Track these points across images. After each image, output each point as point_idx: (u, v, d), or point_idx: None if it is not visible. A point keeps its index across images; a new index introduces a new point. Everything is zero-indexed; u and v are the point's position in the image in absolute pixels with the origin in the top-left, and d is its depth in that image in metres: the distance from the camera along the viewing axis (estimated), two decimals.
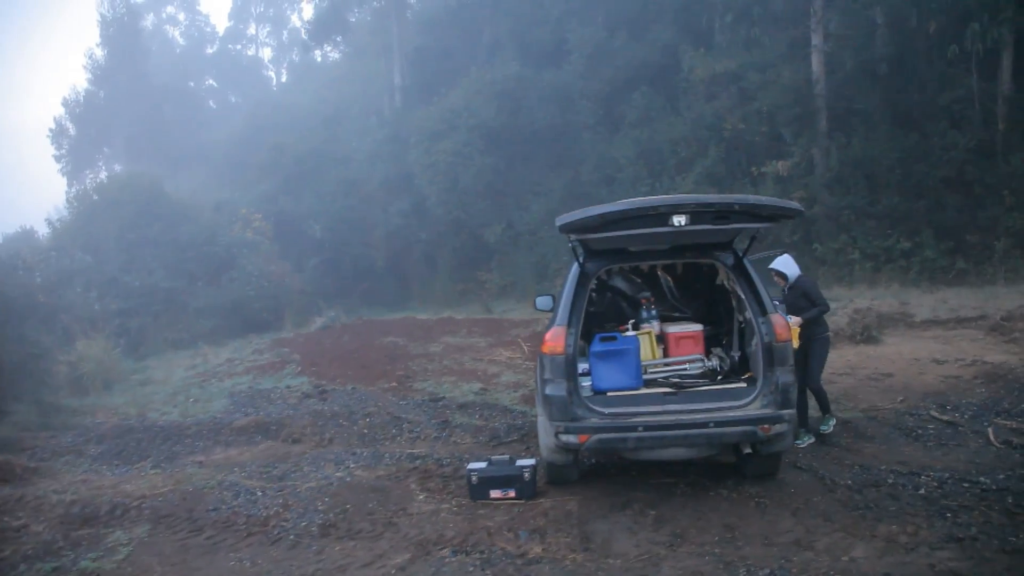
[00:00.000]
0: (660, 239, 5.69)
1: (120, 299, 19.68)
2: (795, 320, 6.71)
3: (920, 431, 7.69)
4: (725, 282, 6.41)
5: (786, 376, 5.60)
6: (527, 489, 6.27)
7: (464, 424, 9.51)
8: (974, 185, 17.23)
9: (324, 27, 38.47)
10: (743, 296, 5.84)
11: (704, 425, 5.39)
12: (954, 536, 5.01)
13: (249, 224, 24.92)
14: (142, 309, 19.83)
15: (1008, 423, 7.71)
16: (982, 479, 6.06)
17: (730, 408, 5.56)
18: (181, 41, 58.93)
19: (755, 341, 5.78)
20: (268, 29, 61.35)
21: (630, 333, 6.41)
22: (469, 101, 24.27)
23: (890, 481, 6.14)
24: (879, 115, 18.76)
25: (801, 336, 6.96)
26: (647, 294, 7.07)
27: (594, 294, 7.29)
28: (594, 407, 5.65)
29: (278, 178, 29.42)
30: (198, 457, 9.14)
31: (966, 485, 5.95)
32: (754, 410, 5.53)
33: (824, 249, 18.28)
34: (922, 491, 5.87)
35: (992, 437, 7.25)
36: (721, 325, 6.97)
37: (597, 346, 6.03)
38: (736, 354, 6.45)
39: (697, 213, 5.12)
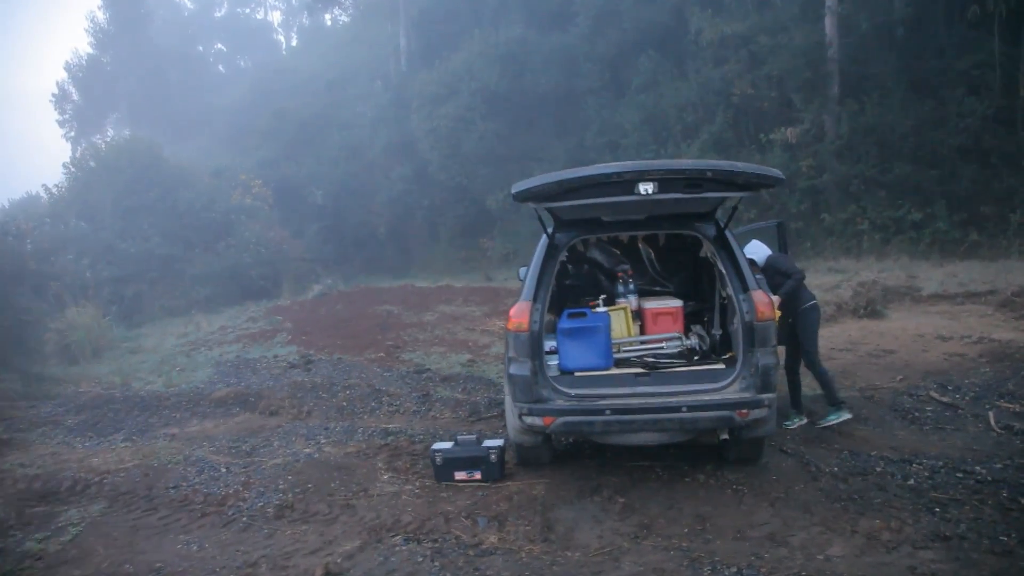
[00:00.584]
0: (630, 208, 5.27)
1: (115, 266, 19.48)
2: (776, 298, 6.26)
3: (917, 413, 7.29)
4: (708, 255, 6.00)
5: (767, 358, 5.20)
6: (493, 471, 5.95)
7: (445, 398, 9.21)
8: (991, 154, 16.57)
9: None
10: (724, 271, 5.43)
11: (676, 409, 5.03)
12: (940, 534, 4.63)
13: (249, 190, 24.57)
14: (137, 276, 19.63)
15: (1011, 406, 7.29)
16: (978, 468, 5.68)
17: (706, 391, 5.18)
18: (189, 4, 58.33)
19: (736, 319, 5.39)
20: None
21: (601, 309, 6.00)
22: (471, 64, 23.68)
23: (879, 469, 5.76)
24: (894, 80, 18.04)
25: (787, 313, 6.56)
26: (625, 267, 6.67)
27: (570, 267, 6.89)
28: (560, 388, 5.30)
29: (280, 143, 29.06)
30: (172, 429, 8.91)
31: (959, 475, 5.56)
32: (731, 394, 5.15)
33: (832, 219, 17.74)
34: (911, 481, 5.49)
35: (992, 421, 6.84)
36: (705, 301, 6.58)
37: (565, 323, 5.63)
38: (718, 332, 6.05)
39: (666, 181, 4.68)
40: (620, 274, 6.50)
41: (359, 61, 38.37)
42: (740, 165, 4.66)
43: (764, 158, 17.84)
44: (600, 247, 6.87)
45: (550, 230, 5.70)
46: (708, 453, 6.17)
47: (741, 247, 5.66)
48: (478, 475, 5.96)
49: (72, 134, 37.13)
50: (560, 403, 5.21)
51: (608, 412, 5.06)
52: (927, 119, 17.17)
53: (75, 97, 37.33)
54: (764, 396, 5.08)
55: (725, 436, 5.49)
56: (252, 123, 32.62)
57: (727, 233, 5.58)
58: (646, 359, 5.79)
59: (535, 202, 5.03)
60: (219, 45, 56.55)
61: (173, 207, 21.62)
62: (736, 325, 5.38)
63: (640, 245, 6.88)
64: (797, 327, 6.78)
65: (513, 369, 5.32)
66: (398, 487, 6.15)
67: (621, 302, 6.32)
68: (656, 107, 21.14)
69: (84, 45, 52.51)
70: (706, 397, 5.11)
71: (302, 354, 12.61)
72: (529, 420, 5.26)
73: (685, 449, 6.28)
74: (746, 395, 5.11)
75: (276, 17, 61.61)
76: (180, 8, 56.89)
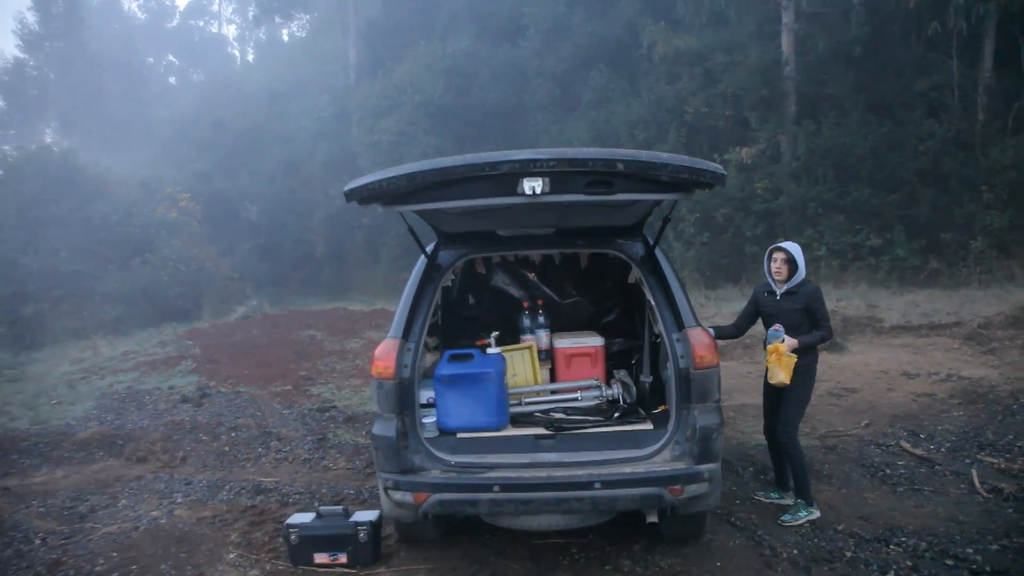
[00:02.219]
0: (522, 216, 4.07)
1: (14, 283, 17.66)
2: (790, 342, 4.84)
3: (889, 469, 6.17)
4: (638, 281, 4.81)
5: (708, 416, 4.01)
6: (364, 553, 4.62)
7: (344, 443, 7.87)
8: (950, 179, 15.90)
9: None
10: (653, 302, 4.23)
11: (587, 485, 3.79)
12: None
13: (175, 204, 22.92)
14: (39, 294, 17.86)
15: (994, 461, 6.23)
16: (970, 552, 4.53)
17: (627, 460, 3.96)
18: (140, 14, 56.54)
19: (670, 365, 4.19)
20: (233, 6, 59.08)
21: (493, 349, 4.73)
22: (416, 77, 22.53)
23: (849, 554, 4.57)
24: (851, 101, 17.35)
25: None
26: (529, 295, 5.47)
27: (470, 295, 5.64)
28: (437, 454, 4.03)
29: (215, 156, 27.52)
30: (10, 481, 7.41)
31: (949, 563, 4.41)
32: (661, 464, 3.94)
33: None
34: (891, 573, 4.31)
35: (977, 482, 5.74)
36: (635, 339, 5.38)
37: (444, 368, 4.37)
38: (648, 380, 4.83)
39: (560, 176, 3.43)
40: (527, 303, 5.28)
41: (309, 75, 37.03)
42: (665, 156, 3.42)
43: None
44: (506, 269, 5.64)
45: (430, 247, 4.47)
46: (637, 528, 4.93)
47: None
48: (343, 558, 4.63)
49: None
50: (436, 475, 3.94)
51: (497, 488, 3.79)
52: (885, 141, 16.47)
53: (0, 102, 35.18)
54: (704, 468, 3.88)
55: (653, 519, 4.25)
56: (191, 135, 30.99)
57: (658, 253, 4.39)
58: (553, 415, 4.54)
59: (383, 204, 3.76)
60: (171, 57, 54.90)
61: (87, 220, 19.90)
62: (671, 373, 4.19)
63: (556, 265, 5.66)
64: (797, 387, 5.03)
65: (376, 428, 4.05)
66: (242, 571, 4.79)
67: (527, 339, 5.10)
68: (607, 124, 20.15)
69: (10, 47, 50.48)
70: (627, 469, 3.87)
71: (200, 386, 11.15)
72: (396, 496, 3.98)
73: (609, 523, 5.03)
74: (680, 466, 3.89)
75: (231, 31, 60.19)
76: (130, 17, 55.09)
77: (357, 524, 4.60)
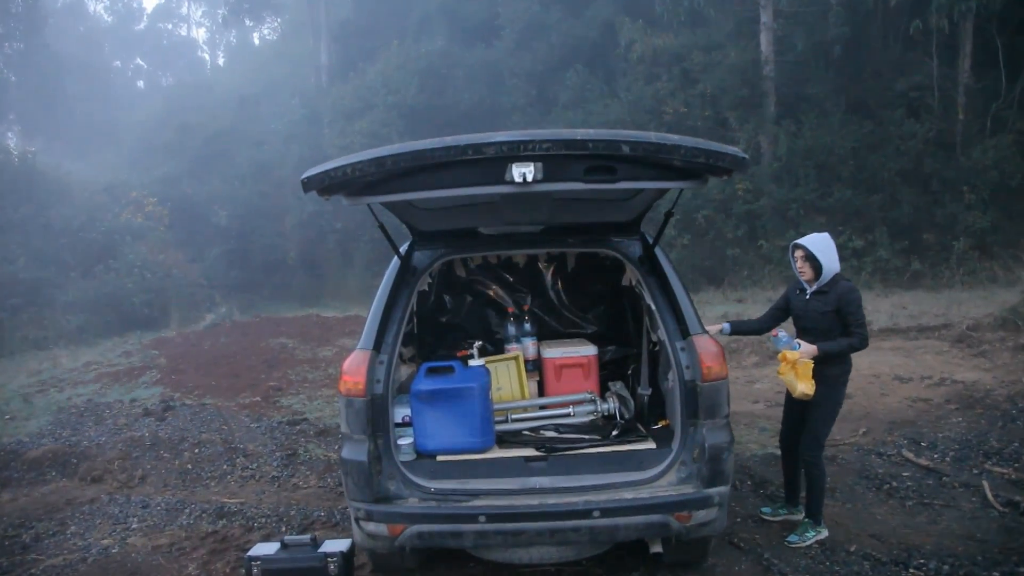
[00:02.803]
0: (510, 210, 3.65)
1: None
2: (808, 350, 4.35)
3: (894, 482, 5.84)
4: (634, 284, 4.40)
5: (717, 434, 3.60)
6: None
7: (315, 459, 7.39)
8: (932, 179, 15.77)
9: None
10: (653, 306, 3.82)
11: (584, 514, 3.37)
12: None
13: (141, 208, 22.18)
14: None
15: (1004, 471, 5.93)
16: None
17: (628, 484, 3.54)
18: (107, 17, 55.35)
19: (672, 376, 3.79)
20: (203, 9, 58.07)
21: (476, 361, 4.27)
22: (388, 78, 22.03)
23: None
24: (832, 101, 17.20)
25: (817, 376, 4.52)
26: (518, 299, 5.05)
27: (447, 298, 5.18)
28: (414, 480, 3.59)
29: (183, 160, 26.70)
30: None
31: None
32: (666, 487, 3.53)
33: (770, 246, 16.60)
34: None
35: (990, 495, 5.41)
36: (630, 346, 4.98)
37: (421, 382, 3.91)
38: (646, 392, 4.39)
39: (556, 161, 2.98)
40: (511, 309, 4.86)
41: (280, 78, 36.42)
42: (676, 138, 2.97)
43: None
44: (488, 271, 5.20)
45: (404, 247, 4.03)
46: (635, 552, 4.52)
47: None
48: None
49: None
50: (413, 503, 3.50)
51: (483, 518, 3.36)
52: (866, 141, 16.30)
53: None
54: (714, 491, 3.48)
55: (657, 549, 3.84)
56: (159, 139, 30.16)
57: (658, 252, 3.99)
58: (543, 433, 4.12)
59: (348, 195, 3.32)
60: (139, 60, 53.83)
61: (47, 226, 19.12)
62: (672, 384, 3.79)
63: (543, 268, 5.25)
64: (824, 399, 4.57)
65: (346, 452, 3.60)
66: None
67: (512, 348, 4.68)
68: (584, 124, 19.76)
69: None
70: (629, 494, 3.46)
71: (164, 398, 10.59)
72: (369, 527, 3.53)
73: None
74: (687, 489, 3.49)
75: (201, 34, 59.19)
76: (95, 19, 53.88)
77: (326, 556, 4.15)
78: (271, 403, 9.99)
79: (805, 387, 4.29)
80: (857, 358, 10.18)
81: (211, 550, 5.17)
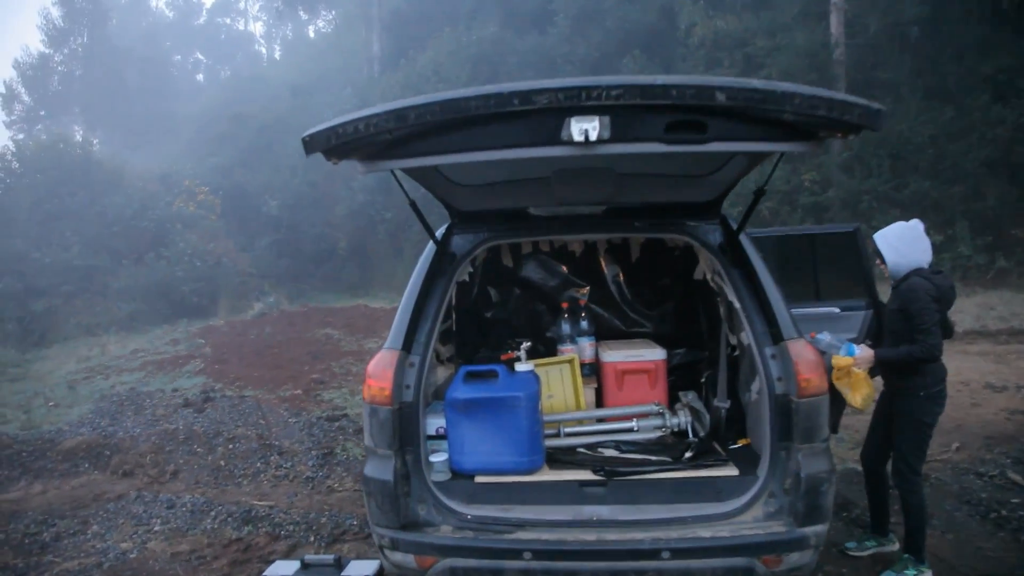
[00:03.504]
0: (566, 186, 3.05)
1: (25, 278, 17.02)
2: (864, 356, 3.74)
3: (1003, 509, 5.08)
4: (709, 277, 3.76)
5: (816, 462, 2.93)
6: None
7: (352, 459, 6.97)
8: (1020, 169, 14.53)
9: None
10: (737, 304, 3.19)
11: (651, 554, 2.76)
12: None
13: (193, 197, 22.22)
14: (51, 290, 17.19)
15: None
16: None
17: (705, 519, 2.92)
18: (168, 12, 56.45)
19: (756, 387, 3.17)
20: (260, 3, 58.85)
21: (524, 364, 3.62)
22: (440, 64, 21.56)
23: None
24: (908, 86, 16.05)
25: (889, 387, 4.08)
26: (574, 294, 4.44)
27: (492, 291, 4.60)
28: (449, 504, 3.04)
29: (235, 150, 26.79)
30: None
31: None
32: (752, 524, 2.90)
33: None
34: None
35: None
36: (703, 349, 4.36)
37: (458, 389, 3.32)
38: (724, 405, 3.72)
39: (629, 115, 2.28)
40: (567, 304, 4.25)
41: (333, 69, 36.41)
42: (786, 85, 2.28)
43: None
44: (538, 261, 4.61)
45: (441, 232, 3.48)
46: None
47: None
48: None
49: (20, 136, 34.61)
50: (447, 533, 2.94)
51: (528, 555, 2.79)
52: (946, 129, 15.16)
53: (25, 97, 34.81)
54: (809, 531, 2.84)
55: None
56: (213, 130, 30.39)
57: (744, 239, 3.35)
58: (602, 452, 3.52)
59: (362, 159, 2.77)
60: (198, 54, 54.73)
61: (101, 214, 19.24)
62: (757, 397, 3.16)
63: (602, 259, 4.63)
64: (902, 416, 4.00)
65: (369, 469, 3.08)
66: None
67: (566, 350, 4.08)
68: None
69: (36, 43, 50.24)
70: (706, 532, 2.84)
71: (205, 389, 10.38)
72: (395, 557, 3.00)
73: None
74: (777, 528, 2.85)
75: (258, 28, 59.96)
76: (157, 14, 54.97)
77: None
78: (312, 397, 9.63)
79: (860, 398, 3.68)
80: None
81: (232, 560, 4.75)
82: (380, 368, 3.09)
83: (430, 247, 3.45)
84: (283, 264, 23.57)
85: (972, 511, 5.08)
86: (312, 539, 5.04)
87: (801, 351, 2.95)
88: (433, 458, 3.22)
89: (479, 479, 3.23)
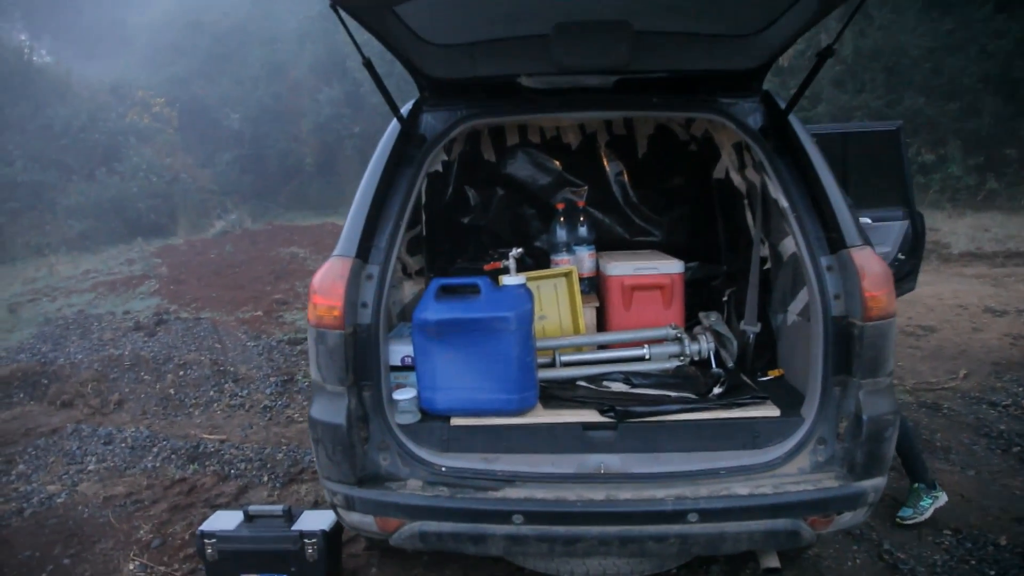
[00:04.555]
0: (572, 45, 2.35)
1: None
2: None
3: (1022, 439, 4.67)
4: (733, 172, 3.11)
5: (880, 401, 2.36)
6: (311, 574, 3.13)
7: None
8: (1020, 86, 13.90)
9: None
10: (784, 202, 2.55)
11: (675, 516, 2.20)
12: None
13: (148, 109, 20.90)
14: None
15: None
16: None
17: (740, 472, 2.35)
18: None
19: (797, 307, 2.59)
20: None
21: (513, 277, 2.87)
22: None
23: None
24: None
25: None
26: (569, 195, 3.76)
27: (471, 193, 3.88)
28: (418, 453, 2.44)
29: (194, 60, 25.18)
30: None
31: None
32: (797, 477, 2.33)
33: None
34: None
35: None
36: (725, 262, 3.73)
37: (432, 308, 2.55)
38: (754, 330, 3.06)
39: None
40: (561, 205, 3.57)
41: None
42: None
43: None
44: (526, 154, 3.89)
45: (407, 108, 2.75)
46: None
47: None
48: None
49: None
50: (414, 489, 2.35)
51: (519, 519, 2.22)
52: (945, 42, 14.38)
53: None
54: (868, 485, 2.30)
55: (773, 563, 2.67)
56: (167, 39, 28.52)
57: (794, 121, 2.68)
58: (608, 387, 2.88)
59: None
60: None
61: (46, 126, 17.95)
62: (797, 320, 2.57)
63: (603, 154, 3.92)
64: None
65: (316, 410, 2.46)
66: None
67: (562, 261, 3.42)
68: None
69: None
70: (742, 488, 2.27)
71: (159, 310, 9.69)
72: (352, 518, 2.42)
73: None
74: (829, 482, 2.30)
75: None
76: None
77: (303, 536, 3.08)
78: (273, 319, 8.99)
79: None
80: (939, 286, 9.00)
81: (172, 505, 4.18)
82: (328, 281, 2.43)
83: (392, 127, 2.74)
84: (246, 181, 22.48)
85: (992, 445, 4.65)
86: (265, 479, 4.49)
87: (867, 262, 2.33)
88: (398, 395, 2.57)
89: (455, 421, 2.60)
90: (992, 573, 3.18)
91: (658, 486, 2.29)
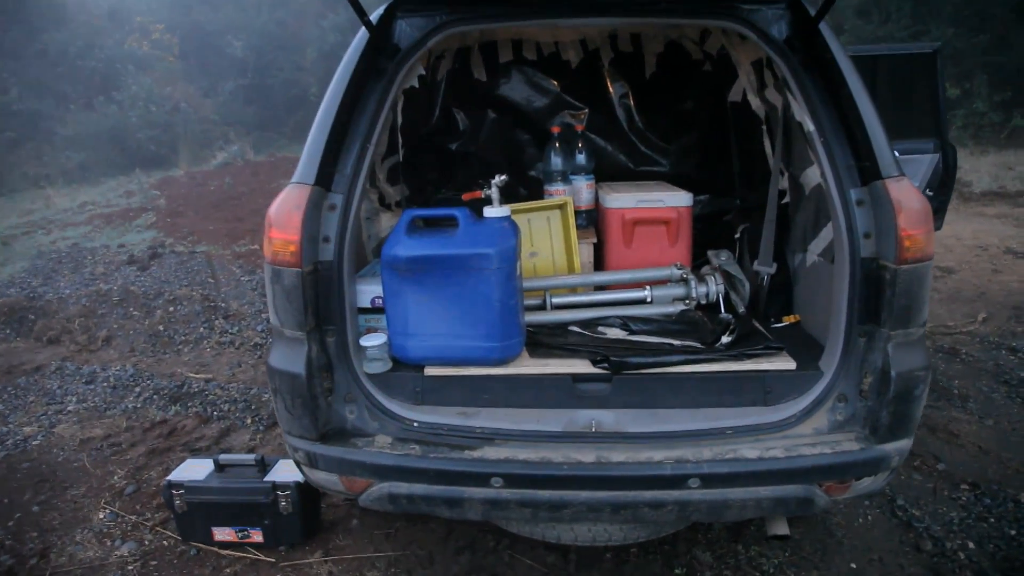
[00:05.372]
0: None
1: None
2: None
3: None
4: (751, 95, 2.77)
5: (911, 355, 2.07)
6: (287, 530, 2.96)
7: None
8: None
9: None
10: (810, 125, 2.21)
11: (674, 481, 1.96)
12: None
13: (147, 36, 20.28)
14: None
15: None
16: None
17: (749, 431, 2.09)
18: None
19: (819, 246, 2.32)
20: None
21: (496, 209, 2.48)
22: None
23: None
24: None
25: None
26: (566, 118, 3.42)
27: (460, 116, 3.55)
28: (388, 406, 2.20)
29: None
30: None
31: None
32: (812, 438, 2.07)
33: None
34: None
35: None
36: (737, 195, 3.40)
37: (402, 243, 2.25)
38: (769, 270, 2.72)
39: None
40: (558, 129, 3.23)
41: None
42: None
43: None
44: (521, 73, 3.52)
45: (377, 14, 2.40)
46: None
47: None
48: (257, 535, 2.95)
49: None
50: (384, 446, 2.10)
51: (499, 481, 1.99)
52: None
53: None
54: (891, 448, 2.05)
55: (782, 530, 2.44)
56: None
57: (826, 31, 2.28)
58: (603, 333, 2.58)
59: None
60: None
61: (41, 53, 17.41)
62: (817, 260, 2.29)
63: (607, 74, 3.53)
64: None
65: (275, 357, 2.20)
66: (107, 550, 3.12)
67: (556, 191, 3.11)
68: None
69: None
70: (750, 451, 2.01)
71: (154, 244, 9.51)
72: (316, 476, 2.20)
73: None
74: (849, 444, 2.04)
75: None
76: None
77: (276, 487, 2.89)
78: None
79: None
80: (958, 226, 8.65)
81: (151, 449, 4.00)
82: (284, 212, 2.14)
83: (361, 35, 2.41)
84: (250, 111, 21.92)
85: (1012, 393, 4.41)
86: (249, 421, 4.30)
87: (904, 195, 2.02)
88: (365, 341, 2.29)
89: (430, 371, 2.32)
90: (1013, 532, 2.97)
91: (656, 447, 2.03)
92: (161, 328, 6.30)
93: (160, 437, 4.16)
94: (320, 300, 2.14)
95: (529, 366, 2.30)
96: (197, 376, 5.13)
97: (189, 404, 4.60)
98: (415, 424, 2.15)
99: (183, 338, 6.10)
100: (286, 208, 2.13)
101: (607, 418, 2.15)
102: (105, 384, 5.00)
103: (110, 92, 17.54)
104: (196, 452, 3.94)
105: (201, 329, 6.22)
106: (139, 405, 4.64)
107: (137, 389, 4.89)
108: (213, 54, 22.64)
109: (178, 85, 19.74)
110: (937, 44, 3.98)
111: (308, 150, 2.20)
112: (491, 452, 2.04)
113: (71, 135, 16.57)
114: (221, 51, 22.76)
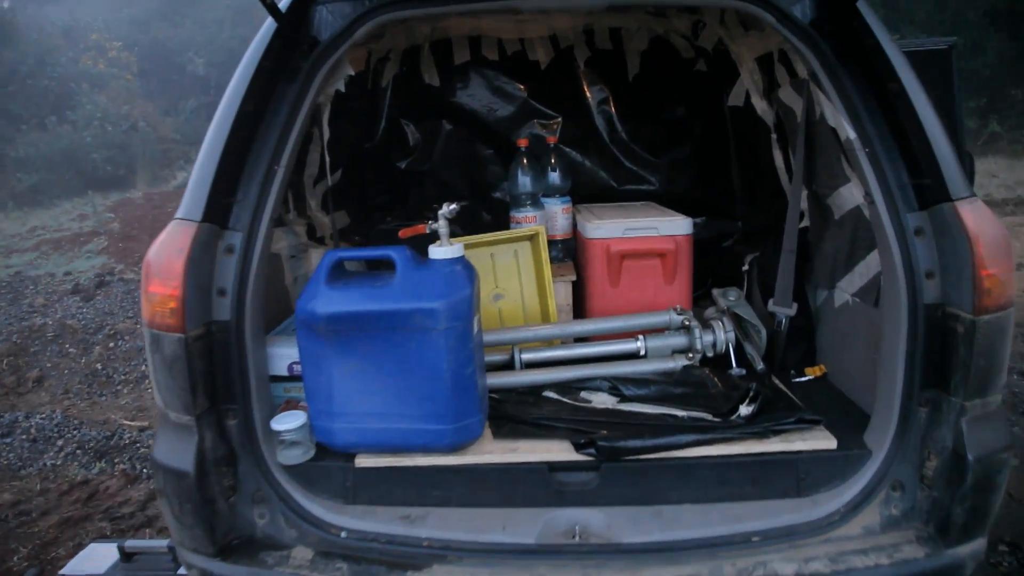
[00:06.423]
0: None
1: None
2: None
3: None
4: (756, 97, 2.32)
5: (991, 430, 1.59)
6: None
7: None
8: None
9: None
10: (850, 131, 1.71)
11: None
12: None
13: (103, 54, 19.64)
14: None
15: None
16: None
17: (782, 537, 1.57)
18: None
19: (857, 286, 1.90)
20: None
21: (444, 247, 1.80)
22: None
23: None
24: None
25: None
26: (537, 130, 2.96)
27: (410, 128, 3.05)
28: (307, 508, 1.67)
29: (153, 0, 23.72)
30: None
31: None
32: (864, 542, 1.56)
33: None
34: None
35: None
36: (735, 219, 2.94)
37: (320, 294, 1.67)
38: (788, 312, 2.18)
39: None
40: (525, 142, 2.73)
41: None
42: None
43: None
44: (481, 76, 3.02)
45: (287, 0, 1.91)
46: None
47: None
48: None
49: None
50: (303, 561, 1.59)
51: None
52: None
53: None
54: (963, 552, 1.58)
55: None
56: None
57: (865, 11, 1.82)
58: (587, 401, 2.02)
59: None
60: None
61: None
62: (850, 301, 1.85)
63: (582, 75, 3.04)
64: None
65: (158, 450, 1.68)
66: None
67: (526, 218, 2.62)
68: None
69: None
70: (786, 565, 1.51)
71: (103, 270, 9.01)
72: None
73: None
74: (911, 550, 1.55)
75: None
76: None
77: None
78: None
79: None
80: None
81: (64, 519, 3.45)
82: (163, 259, 1.64)
83: (267, 26, 1.93)
84: None
85: None
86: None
87: (982, 223, 1.58)
88: (278, 424, 1.75)
89: (362, 461, 1.78)
90: None
91: (661, 563, 1.54)
92: (99, 367, 5.78)
93: (77, 503, 3.62)
94: (217, 372, 1.64)
95: (492, 452, 1.78)
96: (132, 424, 4.60)
97: (116, 460, 4.07)
98: (342, 534, 1.65)
99: (122, 377, 5.60)
100: (166, 253, 1.62)
101: (595, 521, 1.65)
102: (24, 437, 4.44)
103: (63, 111, 16.89)
104: (116, 520, 3.41)
105: (143, 367, 5.71)
106: (59, 462, 4.09)
107: (60, 442, 4.35)
108: (174, 72, 22.07)
109: (136, 104, 19.10)
110: (952, 40, 3.57)
111: (195, 177, 1.71)
112: (442, 572, 1.54)
113: (22, 157, 15.90)
114: (182, 68, 22.20)
